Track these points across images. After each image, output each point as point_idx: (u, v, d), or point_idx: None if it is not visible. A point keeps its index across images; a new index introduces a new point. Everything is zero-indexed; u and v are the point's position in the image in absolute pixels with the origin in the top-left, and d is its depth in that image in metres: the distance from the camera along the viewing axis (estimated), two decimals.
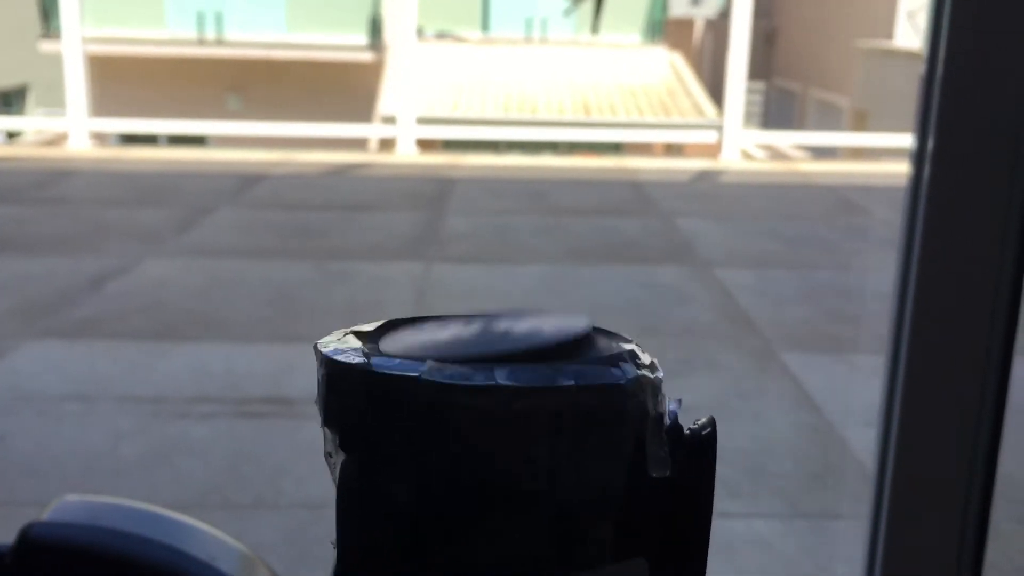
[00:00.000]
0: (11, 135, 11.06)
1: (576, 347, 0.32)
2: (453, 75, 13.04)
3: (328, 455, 0.32)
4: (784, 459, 2.83)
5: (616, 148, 11.10)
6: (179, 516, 0.65)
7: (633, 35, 14.63)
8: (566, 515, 0.31)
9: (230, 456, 2.75)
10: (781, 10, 16.95)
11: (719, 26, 15.07)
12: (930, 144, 1.09)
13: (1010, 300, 1.11)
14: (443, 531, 0.30)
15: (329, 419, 0.32)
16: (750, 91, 10.45)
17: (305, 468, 2.64)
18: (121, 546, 0.60)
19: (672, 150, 11.47)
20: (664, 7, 15.18)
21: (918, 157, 1.11)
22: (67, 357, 3.52)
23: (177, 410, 3.05)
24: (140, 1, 13.10)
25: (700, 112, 12.17)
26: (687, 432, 0.33)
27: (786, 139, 9.94)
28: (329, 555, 0.33)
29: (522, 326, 0.34)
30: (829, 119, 14.16)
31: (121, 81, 12.59)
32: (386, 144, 8.97)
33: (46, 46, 12.11)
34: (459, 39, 14.19)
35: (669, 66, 13.80)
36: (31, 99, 15.39)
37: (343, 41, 13.09)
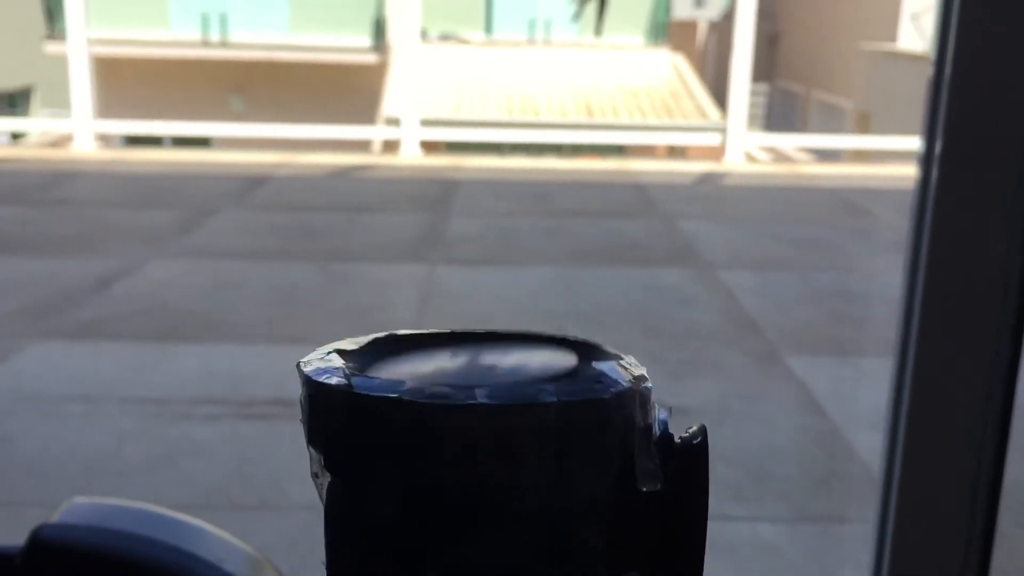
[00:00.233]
0: (16, 136, 11.08)
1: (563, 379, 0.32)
2: (456, 76, 13.05)
3: (315, 475, 0.32)
4: (789, 463, 2.83)
5: (619, 150, 11.10)
6: (187, 518, 0.65)
7: (636, 37, 14.64)
8: (555, 531, 0.30)
9: (234, 458, 2.75)
10: (784, 12, 16.95)
11: (722, 28, 15.08)
12: (938, 146, 1.09)
13: (1018, 303, 1.10)
14: (431, 551, 0.30)
15: (313, 439, 0.32)
16: (753, 93, 10.46)
17: (309, 470, 2.64)
18: (130, 548, 0.60)
19: (675, 152, 11.47)
20: (667, 9, 15.19)
21: (926, 159, 1.11)
22: (71, 358, 3.52)
23: (181, 411, 3.05)
24: (144, 2, 13.12)
25: (703, 114, 12.17)
26: (678, 442, 0.32)
27: (789, 141, 9.94)
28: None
29: (508, 360, 0.33)
30: (832, 121, 14.16)
31: (125, 82, 12.61)
32: (390, 146, 8.98)
33: (51, 47, 12.13)
34: (462, 41, 14.20)
35: (672, 68, 13.81)
36: (36, 100, 15.42)
37: (347, 43, 13.11)
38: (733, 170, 7.93)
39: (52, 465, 2.67)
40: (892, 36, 12.54)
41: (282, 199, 6.51)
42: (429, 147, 8.62)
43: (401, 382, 0.30)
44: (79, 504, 0.62)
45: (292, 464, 2.71)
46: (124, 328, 3.82)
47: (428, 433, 0.29)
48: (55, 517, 0.60)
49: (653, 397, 0.32)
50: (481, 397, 0.29)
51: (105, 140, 8.77)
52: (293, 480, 2.61)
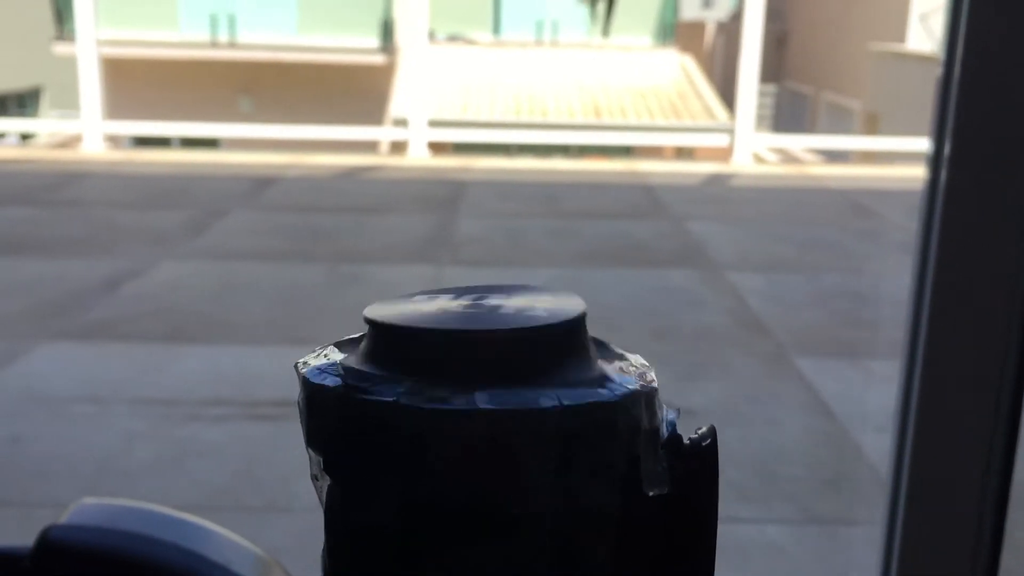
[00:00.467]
0: (25, 137, 11.12)
1: (569, 332, 0.31)
2: (464, 77, 13.07)
3: (314, 478, 0.32)
4: (797, 464, 2.83)
5: (626, 151, 11.10)
6: (196, 519, 0.65)
7: (644, 38, 14.63)
8: (559, 537, 0.29)
9: (242, 459, 2.76)
10: (793, 13, 16.92)
11: (730, 29, 15.06)
12: (947, 148, 1.08)
13: None
14: (432, 556, 0.30)
15: (312, 442, 0.31)
16: (761, 94, 10.43)
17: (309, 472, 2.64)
18: (139, 549, 0.60)
19: (683, 153, 11.46)
20: (675, 10, 15.18)
21: (935, 161, 1.11)
22: (80, 359, 3.53)
23: (189, 412, 3.06)
24: (153, 3, 13.16)
25: (711, 115, 12.16)
26: (687, 443, 0.31)
27: (797, 142, 9.92)
28: None
29: (513, 303, 0.32)
30: (841, 122, 14.13)
31: (133, 83, 12.65)
32: (397, 147, 8.99)
33: (60, 48, 12.18)
34: (470, 42, 14.21)
35: (680, 69, 13.80)
36: (45, 101, 15.47)
37: (355, 44, 13.13)
38: (741, 171, 7.92)
39: (61, 466, 2.68)
40: (901, 37, 12.52)
41: (290, 200, 6.52)
42: (437, 148, 8.63)
43: (399, 384, 0.29)
44: (88, 505, 0.62)
45: (300, 465, 2.70)
46: (133, 329, 3.83)
47: (426, 437, 0.29)
48: (64, 518, 0.60)
49: (660, 398, 0.31)
50: (481, 402, 0.29)
51: (114, 141, 8.79)
52: (301, 481, 2.61)
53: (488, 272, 4.85)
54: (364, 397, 0.30)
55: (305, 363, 0.32)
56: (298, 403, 0.32)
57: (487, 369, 0.30)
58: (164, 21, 13.14)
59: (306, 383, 0.31)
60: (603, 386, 0.30)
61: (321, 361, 0.32)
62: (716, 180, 7.64)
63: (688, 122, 11.90)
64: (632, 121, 11.98)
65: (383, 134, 10.43)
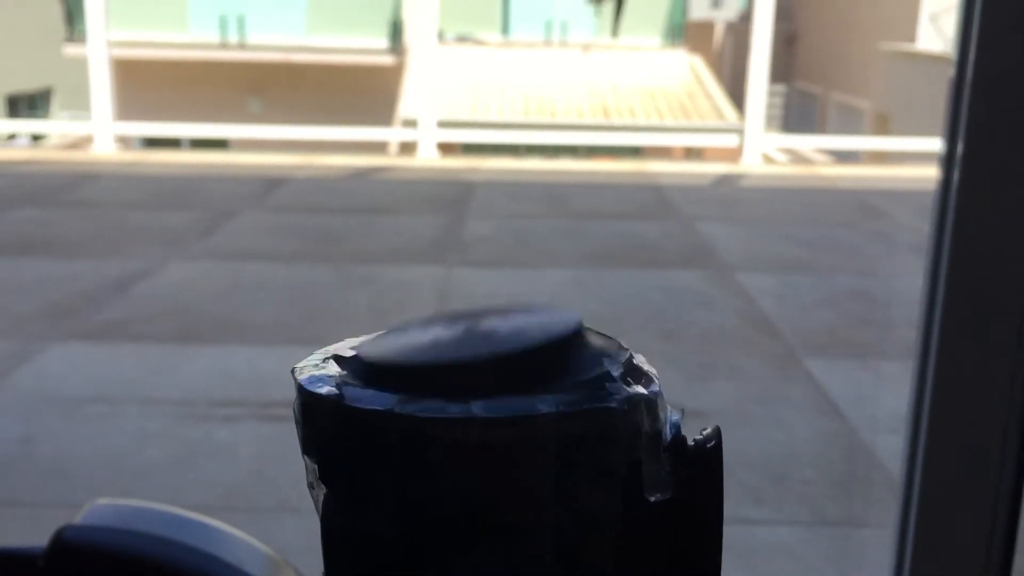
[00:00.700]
0: (36, 138, 11.16)
1: (564, 349, 0.30)
2: (472, 78, 13.07)
3: (310, 486, 0.31)
4: (808, 466, 2.82)
5: (635, 152, 11.09)
6: (208, 520, 0.65)
7: (653, 38, 14.61)
8: (559, 544, 0.29)
9: (254, 459, 2.76)
10: (802, 13, 16.89)
11: (739, 29, 15.03)
12: (960, 148, 1.08)
13: None
14: (429, 565, 0.29)
15: (307, 449, 0.31)
16: (771, 94, 10.42)
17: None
18: (152, 550, 0.61)
19: (692, 154, 11.44)
20: (684, 10, 15.15)
21: (947, 161, 1.10)
22: (92, 359, 3.54)
23: (201, 413, 3.07)
24: (163, 4, 13.19)
25: (720, 115, 12.14)
26: (691, 445, 0.31)
27: (807, 143, 9.89)
28: None
29: (507, 325, 0.31)
30: (850, 122, 14.10)
31: (143, 84, 12.69)
32: (407, 147, 9.00)
33: (70, 49, 12.22)
34: (479, 42, 14.21)
35: (689, 69, 13.78)
36: (55, 102, 15.53)
37: (364, 44, 13.15)
38: (750, 171, 7.91)
39: (73, 466, 2.69)
40: (911, 37, 12.48)
41: (300, 201, 6.53)
42: (446, 148, 8.64)
43: (394, 392, 0.29)
44: (102, 505, 0.62)
45: None
46: (144, 329, 3.84)
47: (421, 446, 0.28)
48: (78, 518, 0.60)
49: (664, 399, 0.31)
50: (476, 410, 0.28)
51: (124, 142, 8.82)
52: None
53: (497, 273, 4.86)
54: (359, 406, 0.29)
55: (300, 369, 0.32)
56: (293, 410, 0.32)
57: (482, 393, 0.29)
58: (174, 22, 13.18)
59: (301, 391, 0.31)
60: (603, 390, 0.29)
61: (316, 368, 0.32)
62: (725, 180, 7.63)
63: (697, 122, 11.88)
64: (641, 121, 11.97)
65: (392, 135, 10.43)
